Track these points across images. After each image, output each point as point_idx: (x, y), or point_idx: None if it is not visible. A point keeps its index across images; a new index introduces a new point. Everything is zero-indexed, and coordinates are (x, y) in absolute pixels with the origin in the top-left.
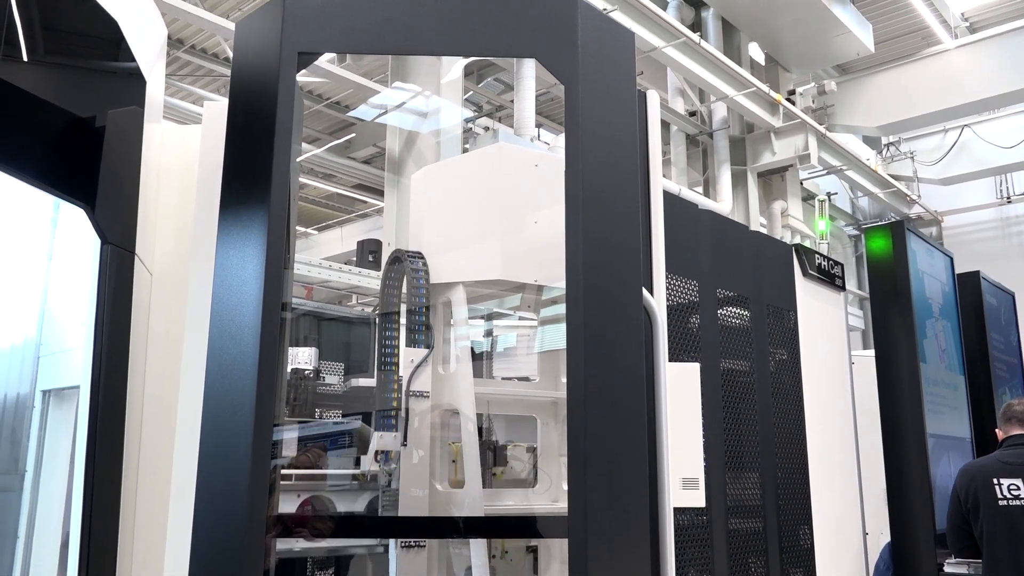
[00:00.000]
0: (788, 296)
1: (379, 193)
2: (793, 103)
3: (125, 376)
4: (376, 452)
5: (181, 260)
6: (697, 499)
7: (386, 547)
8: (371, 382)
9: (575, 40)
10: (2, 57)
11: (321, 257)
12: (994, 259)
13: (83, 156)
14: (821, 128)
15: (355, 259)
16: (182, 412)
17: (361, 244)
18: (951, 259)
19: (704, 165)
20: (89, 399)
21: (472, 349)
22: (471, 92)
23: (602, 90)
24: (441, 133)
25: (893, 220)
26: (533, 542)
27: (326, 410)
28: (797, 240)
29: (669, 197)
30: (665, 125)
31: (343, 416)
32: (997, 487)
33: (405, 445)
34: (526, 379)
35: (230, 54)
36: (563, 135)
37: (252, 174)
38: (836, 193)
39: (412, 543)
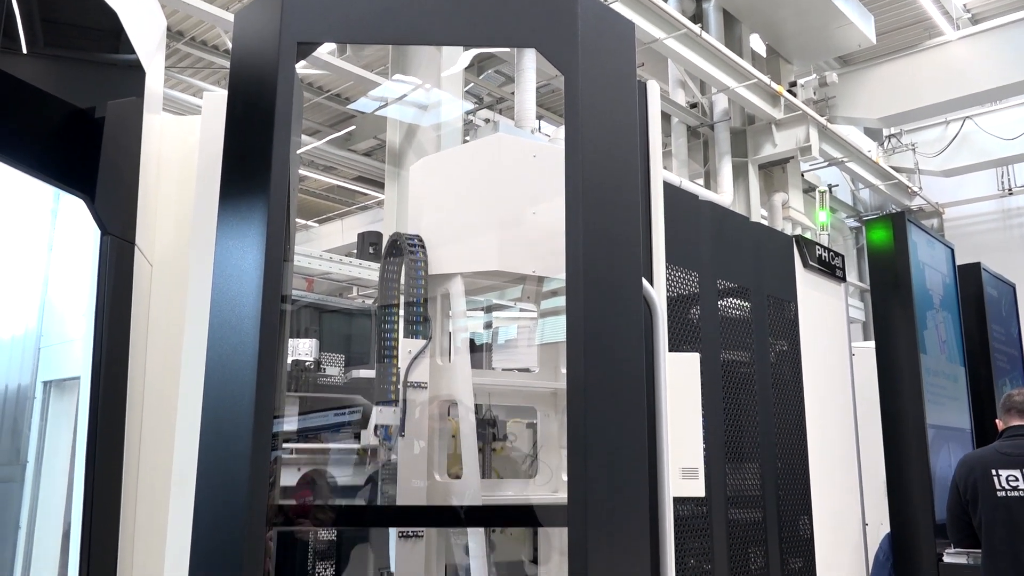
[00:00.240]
0: (789, 287)
1: (380, 185)
2: (794, 95)
3: (125, 367)
4: (376, 426)
5: (181, 251)
6: (697, 489)
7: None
8: (371, 373)
9: (575, 30)
10: (2, 48)
11: (322, 250)
12: (995, 251)
13: (83, 147)
14: (822, 120)
15: (356, 251)
16: (183, 403)
17: (362, 236)
18: (952, 250)
19: (705, 157)
20: (90, 390)
21: (472, 340)
22: (472, 84)
23: (602, 80)
24: (442, 126)
25: (894, 212)
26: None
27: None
28: (798, 232)
29: (669, 188)
30: (666, 117)
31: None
32: (996, 478)
33: (403, 436)
34: (526, 370)
35: (230, 46)
36: (562, 128)
37: (252, 164)
38: (837, 185)
39: (410, 533)
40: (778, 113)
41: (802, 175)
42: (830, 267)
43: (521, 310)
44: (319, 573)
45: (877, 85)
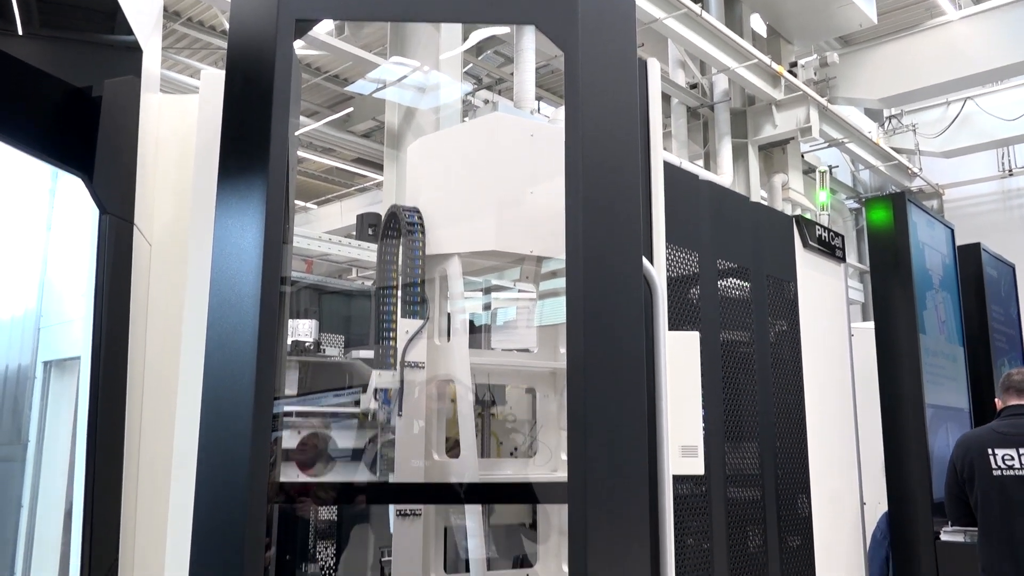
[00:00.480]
0: (788, 267)
1: (378, 167)
2: (795, 75)
3: (126, 347)
4: (375, 390)
5: (180, 231)
6: (696, 467)
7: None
8: (370, 354)
9: (575, 7)
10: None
11: (321, 232)
12: (995, 232)
13: (80, 126)
14: (823, 100)
15: (355, 233)
16: (183, 382)
17: (361, 218)
18: (952, 231)
19: (705, 138)
20: (90, 370)
21: (471, 321)
22: (471, 64)
23: (602, 58)
24: (441, 107)
25: (894, 192)
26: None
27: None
28: (797, 213)
29: (669, 167)
30: (666, 98)
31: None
32: (992, 457)
33: (401, 415)
34: (525, 351)
35: (227, 26)
36: (563, 108)
37: (250, 143)
38: (837, 166)
39: (408, 511)
40: (778, 94)
41: (802, 156)
42: (830, 247)
43: (520, 291)
44: (320, 552)
45: (878, 65)
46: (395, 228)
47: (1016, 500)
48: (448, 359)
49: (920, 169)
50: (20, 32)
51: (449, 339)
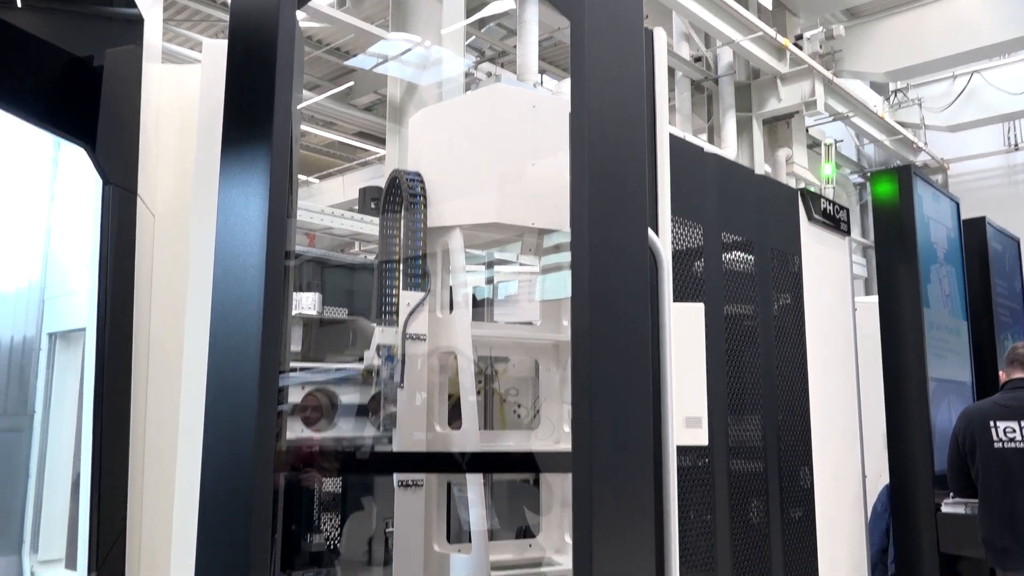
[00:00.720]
0: (793, 240)
1: (380, 141)
2: (800, 48)
3: (131, 318)
4: (378, 346)
5: (183, 202)
6: (700, 437)
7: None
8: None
9: None
10: None
11: (323, 206)
12: (1000, 206)
13: (82, 95)
14: (828, 74)
15: (357, 207)
16: (188, 353)
17: (363, 191)
18: (957, 204)
19: (709, 112)
20: (95, 341)
21: (473, 295)
22: (473, 37)
23: (609, 27)
24: (443, 81)
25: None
26: None
27: None
28: (802, 187)
29: (674, 139)
30: (670, 71)
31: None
32: (993, 430)
33: (402, 387)
34: (528, 324)
35: None
36: (566, 81)
37: (254, 110)
38: (841, 140)
39: (409, 482)
40: (783, 67)
41: (807, 130)
42: (834, 220)
43: (521, 264)
44: (325, 523)
45: (884, 38)
46: (397, 194)
47: (1017, 472)
48: (450, 331)
49: (925, 144)
50: (21, 3)
51: (451, 312)
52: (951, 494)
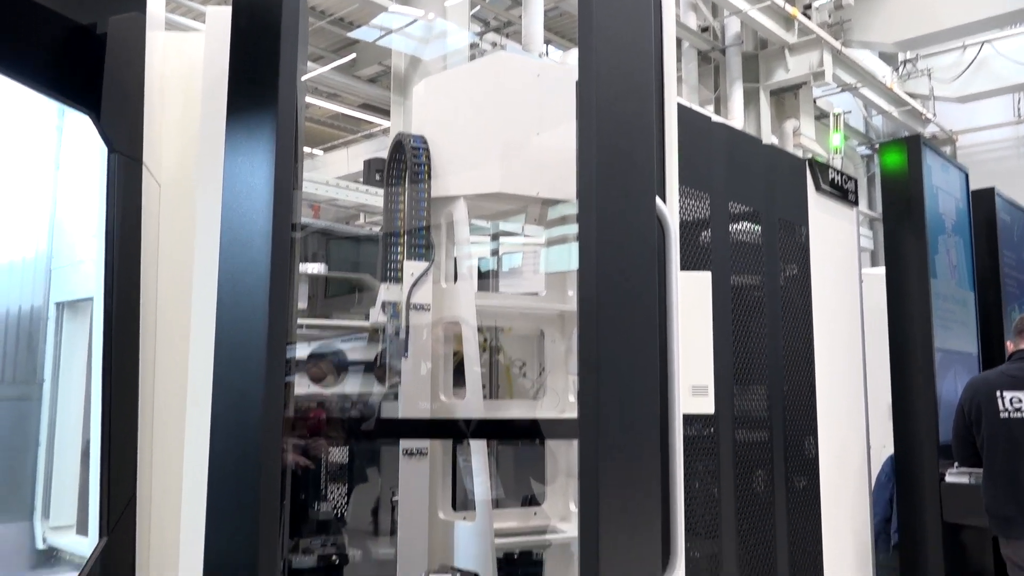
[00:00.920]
0: (800, 211)
1: (385, 113)
2: (809, 18)
3: (138, 287)
4: (383, 303)
5: (189, 171)
6: (707, 406)
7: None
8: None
9: None
10: None
11: (328, 178)
12: (1009, 178)
13: (86, 62)
14: (837, 44)
15: (362, 179)
16: (196, 321)
17: (368, 163)
18: (966, 175)
19: (716, 83)
20: (103, 310)
21: (479, 267)
22: (478, 7)
23: None
24: (447, 56)
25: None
26: None
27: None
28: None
29: (682, 108)
30: (676, 41)
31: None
32: (1000, 399)
33: (407, 357)
34: (533, 294)
35: None
36: (571, 52)
37: (258, 77)
38: (849, 112)
39: (414, 450)
40: (792, 37)
41: (814, 102)
42: (842, 191)
43: (526, 236)
44: (332, 492)
45: (894, 8)
46: (401, 158)
47: (1022, 442)
48: (454, 301)
49: (934, 115)
50: None
51: (455, 281)
52: (955, 464)
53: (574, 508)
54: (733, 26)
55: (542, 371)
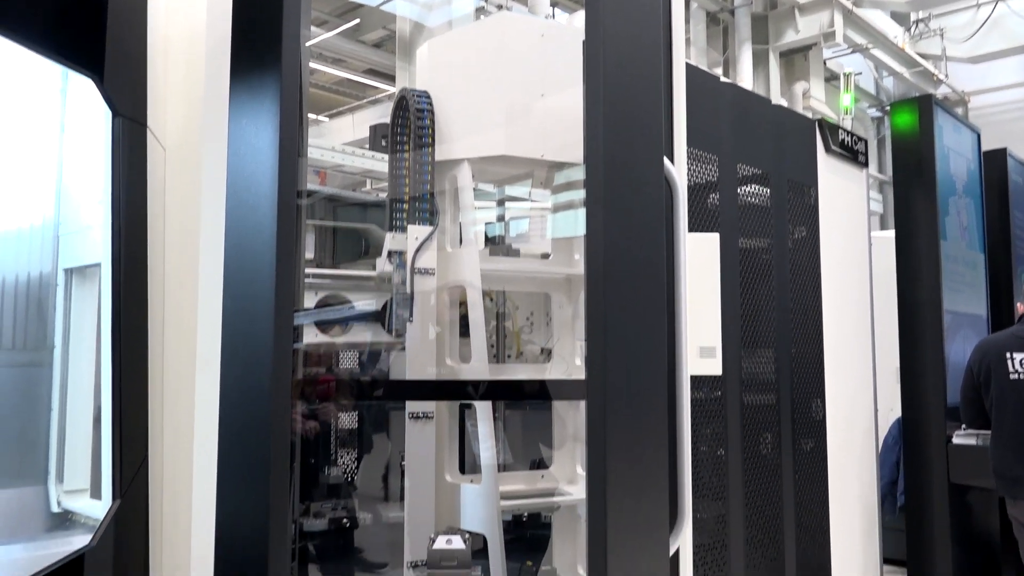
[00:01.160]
0: (809, 172)
1: (390, 78)
2: None
3: (145, 252)
4: (389, 253)
5: (194, 135)
6: (714, 367)
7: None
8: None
9: None
10: None
11: (334, 144)
12: (1021, 139)
13: (88, 24)
14: (848, 3)
15: (368, 145)
16: (203, 285)
17: (373, 129)
18: (978, 135)
19: (724, 45)
20: (111, 275)
21: (485, 232)
22: None
23: None
24: (453, 20)
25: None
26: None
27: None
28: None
29: (690, 68)
30: (684, 2)
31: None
32: (1009, 361)
33: (411, 321)
34: (540, 257)
35: None
36: (576, 14)
37: (262, 38)
38: (860, 73)
39: (420, 414)
40: None
41: (824, 63)
42: (852, 152)
43: (533, 200)
44: (342, 457)
45: None
46: (405, 115)
47: None
48: (459, 265)
49: (946, 76)
50: None
51: (459, 244)
52: (963, 426)
53: (581, 471)
54: None
55: (550, 339)
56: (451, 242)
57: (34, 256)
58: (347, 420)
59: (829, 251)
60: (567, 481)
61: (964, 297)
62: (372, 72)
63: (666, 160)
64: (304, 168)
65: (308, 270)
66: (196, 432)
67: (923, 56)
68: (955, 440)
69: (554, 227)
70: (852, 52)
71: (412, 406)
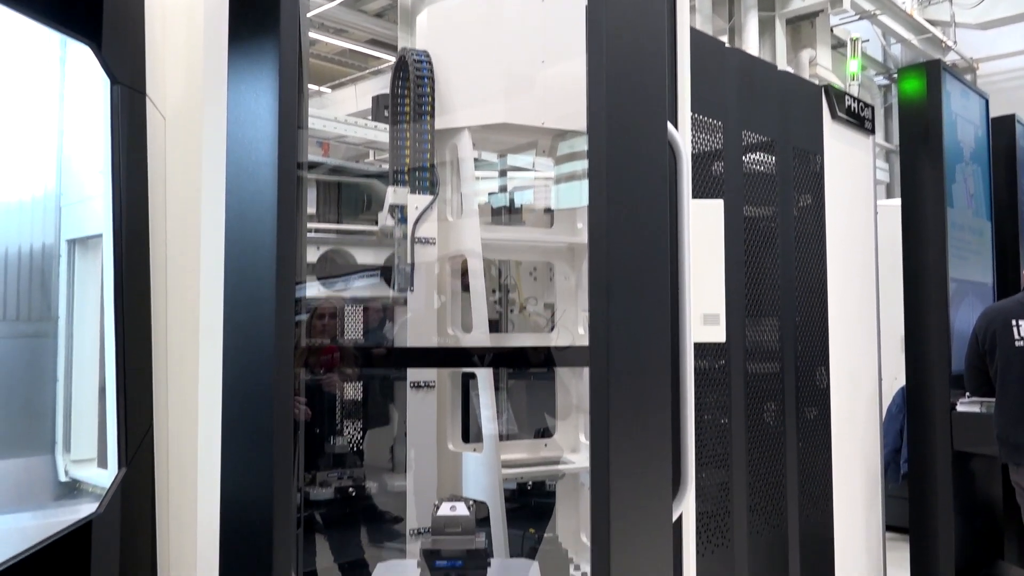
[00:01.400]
0: (815, 139)
1: (392, 48)
2: None
3: (146, 220)
4: (391, 207)
5: (194, 104)
6: (718, 335)
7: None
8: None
9: None
10: None
11: (336, 115)
12: None
13: None
14: None
15: (370, 116)
16: (204, 254)
17: (376, 99)
18: (986, 101)
19: (730, 12)
20: (113, 246)
21: (488, 202)
22: None
23: None
24: None
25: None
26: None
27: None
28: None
29: (695, 32)
30: None
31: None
32: (1015, 328)
33: (412, 291)
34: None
35: None
36: None
37: (260, 1)
38: (868, 40)
39: (421, 383)
40: None
41: (831, 30)
42: (859, 119)
43: (536, 169)
44: (348, 427)
45: None
46: (405, 76)
47: None
48: (460, 235)
49: (955, 42)
50: None
51: (461, 214)
52: (967, 393)
53: (585, 440)
54: None
55: (554, 313)
56: (452, 212)
57: (36, 227)
58: (351, 390)
59: (834, 219)
60: (570, 449)
61: (970, 265)
62: (374, 42)
63: (670, 125)
64: (305, 139)
65: (311, 224)
66: (200, 400)
67: (931, 22)
68: (959, 408)
69: (558, 198)
70: (859, 18)
71: (413, 375)
